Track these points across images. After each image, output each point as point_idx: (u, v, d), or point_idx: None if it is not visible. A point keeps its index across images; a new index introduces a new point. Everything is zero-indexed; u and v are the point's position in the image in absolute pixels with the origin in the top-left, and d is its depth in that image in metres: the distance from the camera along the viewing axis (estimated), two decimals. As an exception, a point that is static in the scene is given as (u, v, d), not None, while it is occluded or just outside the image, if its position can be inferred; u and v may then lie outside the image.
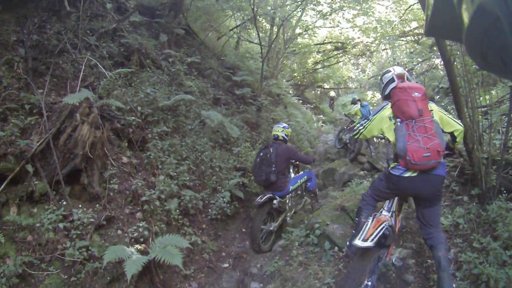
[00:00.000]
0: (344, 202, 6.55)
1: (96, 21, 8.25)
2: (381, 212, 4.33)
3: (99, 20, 8.35)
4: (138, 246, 5.12)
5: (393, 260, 5.07)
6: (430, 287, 4.76)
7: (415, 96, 3.91)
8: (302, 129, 14.02)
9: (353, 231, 4.61)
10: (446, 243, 4.19)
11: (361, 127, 4.35)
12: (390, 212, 4.38)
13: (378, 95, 22.79)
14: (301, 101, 22.13)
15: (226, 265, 6.51)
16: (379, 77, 4.72)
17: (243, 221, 7.82)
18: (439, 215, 4.32)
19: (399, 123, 3.94)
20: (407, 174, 3.92)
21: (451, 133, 4.17)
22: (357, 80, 31.29)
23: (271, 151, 6.78)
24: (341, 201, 6.68)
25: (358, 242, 3.82)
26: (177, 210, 6.18)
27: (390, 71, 4.41)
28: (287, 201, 7.39)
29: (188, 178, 6.82)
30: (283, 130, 7.21)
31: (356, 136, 4.47)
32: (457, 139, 4.19)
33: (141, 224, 5.42)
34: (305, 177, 7.47)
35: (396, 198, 4.50)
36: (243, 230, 7.59)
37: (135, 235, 5.30)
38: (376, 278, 4.59)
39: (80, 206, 5.21)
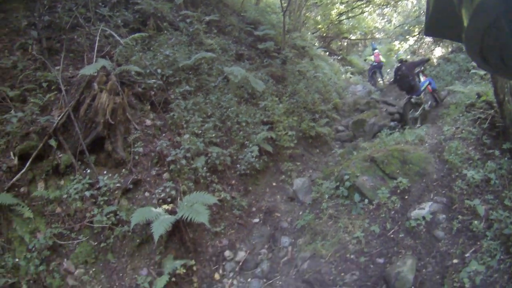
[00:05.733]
0: (373, 153, 6.14)
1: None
2: None
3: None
4: (165, 207, 4.91)
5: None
6: (460, 245, 4.46)
7: None
8: (329, 80, 13.33)
9: None
10: None
11: None
12: None
13: (406, 45, 21.91)
14: (327, 53, 21.22)
15: (256, 220, 6.26)
16: None
17: (273, 175, 7.48)
18: None
19: None
20: None
21: None
22: (383, 30, 29.84)
23: (403, 68, 8.98)
24: (370, 152, 6.27)
25: None
26: (205, 168, 5.90)
27: None
28: (422, 96, 9.10)
29: (214, 135, 6.50)
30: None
31: None
32: None
33: (168, 185, 5.21)
34: (428, 81, 9.23)
35: None
36: (274, 184, 7.27)
37: (162, 195, 5.10)
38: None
39: (105, 172, 5.06)
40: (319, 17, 23.12)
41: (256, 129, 7.40)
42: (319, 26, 23.30)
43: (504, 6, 0.72)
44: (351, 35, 28.15)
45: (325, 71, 14.11)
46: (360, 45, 31.28)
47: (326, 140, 9.45)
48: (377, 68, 16.29)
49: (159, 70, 6.71)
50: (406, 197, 5.34)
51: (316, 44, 18.97)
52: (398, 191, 5.40)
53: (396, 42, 24.69)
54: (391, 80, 14.12)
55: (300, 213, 6.25)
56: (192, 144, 5.78)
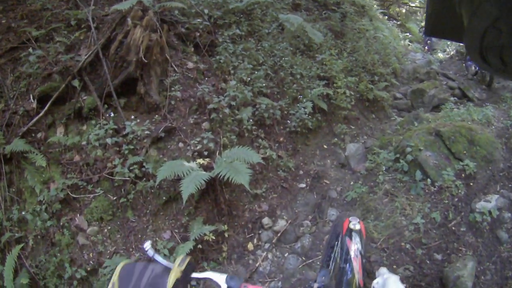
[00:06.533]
0: (439, 126, 5.37)
1: None
2: None
3: None
4: (201, 161, 4.20)
5: None
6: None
7: None
8: (389, 43, 12.10)
9: None
10: None
11: None
12: None
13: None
14: (386, 17, 19.71)
15: (302, 185, 5.50)
16: None
17: (325, 136, 6.63)
18: None
19: None
20: None
21: None
22: None
23: None
24: (435, 125, 5.49)
25: None
26: (251, 120, 5.15)
27: None
28: None
29: (264, 85, 5.67)
30: None
31: None
32: None
33: (206, 135, 4.50)
34: None
35: None
36: (325, 146, 6.43)
37: (198, 147, 4.40)
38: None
39: (134, 118, 4.42)
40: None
41: (311, 84, 6.50)
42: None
43: (504, 7, 0.71)
44: (410, 2, 26.39)
45: (385, 33, 12.90)
46: (419, 14, 29.29)
47: (383, 105, 8.49)
48: None
49: (206, 11, 5.90)
50: (472, 184, 4.65)
51: (375, 6, 17.58)
52: (463, 175, 4.70)
53: None
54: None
55: (352, 183, 5.50)
56: (239, 92, 5.03)
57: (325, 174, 5.70)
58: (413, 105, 9.22)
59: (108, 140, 4.05)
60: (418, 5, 27.11)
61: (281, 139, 5.70)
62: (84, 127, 4.29)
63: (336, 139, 6.59)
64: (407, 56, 13.71)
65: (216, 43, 5.71)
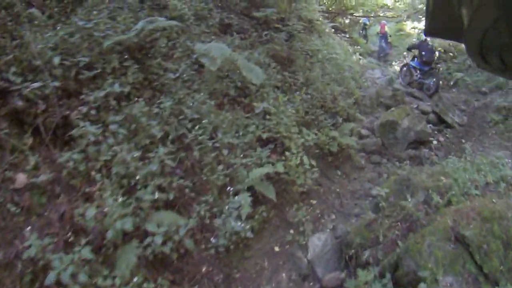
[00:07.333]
0: (460, 225, 3.52)
1: None
2: None
3: None
4: None
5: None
6: None
7: None
8: (344, 63, 10.01)
9: None
10: None
11: None
12: None
13: (421, 25, 18.84)
14: (333, 30, 17.92)
15: None
16: None
17: (276, 231, 4.34)
18: None
19: None
20: None
21: None
22: (393, 8, 27.06)
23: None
24: (453, 221, 3.56)
25: None
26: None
27: None
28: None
29: (165, 183, 3.25)
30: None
31: None
32: None
33: None
34: None
35: None
36: (276, 249, 4.16)
37: None
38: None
39: None
40: (323, -11, 19.89)
41: (248, 157, 4.10)
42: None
43: (504, 7, 0.69)
44: (355, 13, 25.38)
45: (338, 51, 10.89)
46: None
47: (350, 153, 6.33)
48: (383, 38, 16.44)
49: (55, 60, 3.31)
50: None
51: (321, 19, 15.83)
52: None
53: (408, 22, 22.34)
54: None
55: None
56: (110, 220, 2.54)
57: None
58: (384, 144, 7.27)
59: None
60: (363, 15, 26.11)
61: (203, 269, 3.27)
62: None
63: (292, 231, 4.36)
64: (364, 76, 11.82)
65: (70, 121, 3.19)
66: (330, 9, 21.31)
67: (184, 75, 4.32)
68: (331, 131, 5.81)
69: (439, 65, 11.43)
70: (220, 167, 3.78)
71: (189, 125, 3.83)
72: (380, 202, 4.53)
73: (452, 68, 11.17)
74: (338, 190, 5.62)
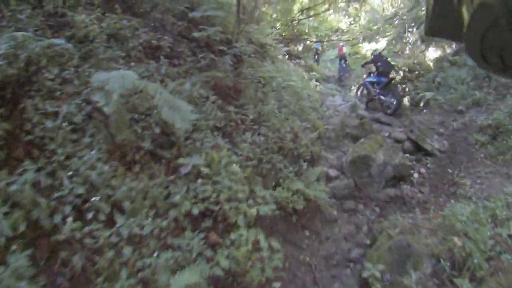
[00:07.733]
0: None
1: None
2: None
3: None
4: None
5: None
6: None
7: None
8: (302, 91, 8.75)
9: None
10: None
11: None
12: None
13: (378, 45, 18.24)
14: (286, 56, 17.00)
15: None
16: None
17: None
18: None
19: None
20: None
21: None
22: (347, 31, 26.84)
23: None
24: None
25: None
26: None
27: None
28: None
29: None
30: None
31: None
32: None
33: None
34: None
35: None
36: None
37: None
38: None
39: None
40: (276, 14, 19.17)
41: (167, 252, 2.51)
42: (277, 25, 19.50)
43: (504, 7, 0.69)
44: (310, 38, 24.99)
45: (294, 78, 9.62)
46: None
47: (317, 205, 4.93)
48: (342, 59, 16.51)
49: None
50: None
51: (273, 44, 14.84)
52: None
53: (364, 44, 21.84)
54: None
55: None
56: None
57: None
58: (357, 185, 5.99)
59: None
60: (318, 39, 25.75)
61: None
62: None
63: None
64: (325, 104, 10.67)
65: None
66: (284, 34, 20.61)
67: (70, 122, 2.76)
68: (294, 182, 4.40)
69: (404, 85, 10.73)
70: (124, 271, 2.21)
71: (67, 209, 2.27)
72: (373, 284, 3.15)
73: (420, 88, 10.20)
74: (308, 259, 4.18)
